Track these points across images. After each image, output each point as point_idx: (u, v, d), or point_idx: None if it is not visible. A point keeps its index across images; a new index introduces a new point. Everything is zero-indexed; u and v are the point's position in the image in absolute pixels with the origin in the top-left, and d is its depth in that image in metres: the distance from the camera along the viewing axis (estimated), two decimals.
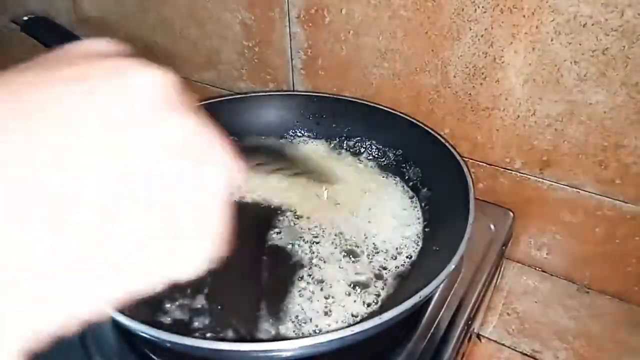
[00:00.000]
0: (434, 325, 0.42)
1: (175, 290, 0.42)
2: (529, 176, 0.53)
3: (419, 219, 0.48)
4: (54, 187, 0.13)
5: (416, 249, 0.45)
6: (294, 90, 0.64)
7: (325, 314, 0.40)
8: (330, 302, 0.41)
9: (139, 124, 0.15)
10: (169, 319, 0.39)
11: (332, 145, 0.57)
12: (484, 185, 0.56)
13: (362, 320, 0.32)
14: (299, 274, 0.43)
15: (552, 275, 0.58)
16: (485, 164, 0.55)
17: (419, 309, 0.42)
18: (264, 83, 0.66)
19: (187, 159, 0.16)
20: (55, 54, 0.17)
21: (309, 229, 0.48)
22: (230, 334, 0.38)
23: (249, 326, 0.39)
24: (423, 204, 0.49)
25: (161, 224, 0.15)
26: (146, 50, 0.75)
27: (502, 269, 0.54)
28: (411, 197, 0.51)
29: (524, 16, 0.45)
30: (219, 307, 0.41)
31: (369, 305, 0.41)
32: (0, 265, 0.12)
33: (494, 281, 0.50)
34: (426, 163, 0.51)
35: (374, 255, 0.45)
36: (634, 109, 0.44)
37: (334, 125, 0.57)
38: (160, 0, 0.67)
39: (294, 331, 0.38)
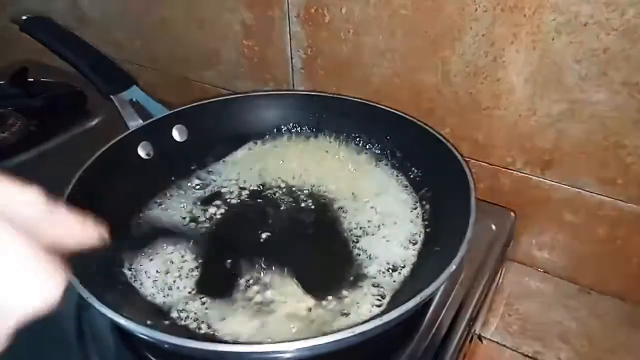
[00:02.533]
0: (435, 327, 0.42)
1: (174, 291, 0.41)
2: (530, 176, 0.53)
3: (419, 219, 0.48)
4: None
5: (417, 249, 0.45)
6: (293, 90, 0.64)
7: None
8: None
9: None
10: (168, 320, 0.39)
11: (332, 145, 0.57)
12: (485, 185, 0.56)
13: (362, 322, 0.32)
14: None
15: (553, 275, 0.58)
16: (486, 164, 0.55)
17: (420, 310, 0.42)
18: (264, 82, 0.66)
19: None
20: None
21: None
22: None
23: None
24: (424, 204, 0.49)
25: None
26: (146, 50, 0.75)
27: (504, 269, 0.54)
28: (412, 197, 0.50)
29: (524, 15, 0.44)
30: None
31: (369, 306, 0.40)
32: None
33: (496, 282, 0.50)
34: (427, 163, 0.50)
35: (374, 256, 0.45)
36: (634, 109, 0.44)
37: (334, 125, 0.57)
38: (159, 0, 0.67)
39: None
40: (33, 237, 0.18)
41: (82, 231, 0.21)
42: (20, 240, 0.17)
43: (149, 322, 0.35)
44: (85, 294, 0.32)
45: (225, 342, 0.36)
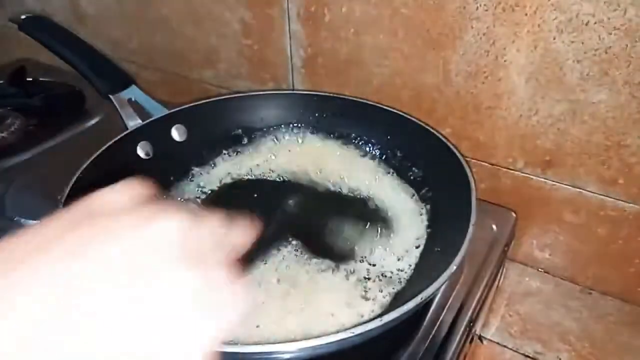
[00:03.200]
0: (436, 327, 0.42)
1: None
2: (531, 176, 0.53)
3: (420, 219, 0.48)
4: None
5: (418, 250, 0.45)
6: (293, 89, 0.64)
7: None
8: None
9: (157, 271, 0.17)
10: None
11: (332, 145, 0.57)
12: (486, 186, 0.56)
13: (363, 322, 0.32)
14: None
15: (554, 276, 0.58)
16: (487, 164, 0.55)
17: (421, 311, 0.42)
18: (263, 82, 0.66)
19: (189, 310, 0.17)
20: (79, 210, 0.18)
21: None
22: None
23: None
24: (425, 205, 0.49)
25: None
26: (144, 49, 0.74)
27: (504, 270, 0.54)
28: (413, 198, 0.50)
29: (526, 14, 0.44)
30: None
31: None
32: None
33: (496, 282, 0.50)
34: (428, 163, 0.50)
35: (373, 256, 0.45)
36: (636, 108, 0.44)
37: (334, 125, 0.57)
38: None
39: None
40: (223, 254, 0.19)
41: (246, 235, 0.23)
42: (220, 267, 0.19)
43: None
44: None
45: (226, 342, 0.36)
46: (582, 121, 0.47)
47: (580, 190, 0.51)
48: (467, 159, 0.46)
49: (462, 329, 0.42)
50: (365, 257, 0.45)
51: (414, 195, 0.50)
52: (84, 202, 0.18)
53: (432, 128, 0.50)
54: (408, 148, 0.52)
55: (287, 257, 0.44)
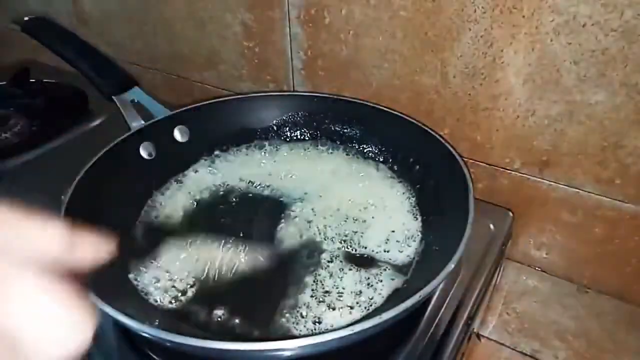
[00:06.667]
0: (434, 325, 0.42)
1: (176, 292, 0.42)
2: (528, 176, 0.53)
3: (418, 219, 0.48)
4: None
5: (416, 249, 0.45)
6: (294, 91, 0.64)
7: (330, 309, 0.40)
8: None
9: None
10: (170, 319, 0.39)
11: (332, 146, 0.58)
12: (483, 185, 0.57)
13: (362, 320, 0.32)
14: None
15: (551, 275, 0.58)
16: (484, 164, 0.55)
17: (419, 309, 0.43)
18: (264, 83, 0.66)
19: None
20: None
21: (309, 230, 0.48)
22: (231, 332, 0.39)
23: (246, 323, 0.39)
24: (422, 204, 0.49)
25: None
26: (147, 51, 0.75)
27: (502, 268, 0.54)
28: (411, 198, 0.51)
29: (523, 16, 0.45)
30: (221, 305, 0.41)
31: (369, 304, 0.40)
32: None
33: (494, 281, 0.50)
34: (426, 163, 0.51)
35: (372, 255, 0.45)
36: (633, 109, 0.44)
37: (333, 126, 0.57)
38: (160, 1, 0.67)
39: (294, 328, 0.39)
40: (58, 270, 0.18)
41: (96, 251, 0.21)
42: (52, 287, 0.17)
43: (150, 321, 0.35)
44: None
45: (227, 340, 0.37)
46: (579, 122, 0.47)
47: (577, 190, 0.51)
48: (465, 159, 0.46)
49: (460, 326, 0.42)
50: (360, 254, 0.45)
51: (412, 194, 0.51)
52: None
53: (431, 129, 0.50)
54: (406, 148, 0.53)
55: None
